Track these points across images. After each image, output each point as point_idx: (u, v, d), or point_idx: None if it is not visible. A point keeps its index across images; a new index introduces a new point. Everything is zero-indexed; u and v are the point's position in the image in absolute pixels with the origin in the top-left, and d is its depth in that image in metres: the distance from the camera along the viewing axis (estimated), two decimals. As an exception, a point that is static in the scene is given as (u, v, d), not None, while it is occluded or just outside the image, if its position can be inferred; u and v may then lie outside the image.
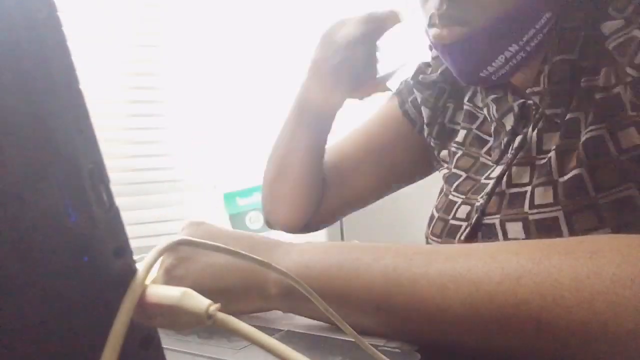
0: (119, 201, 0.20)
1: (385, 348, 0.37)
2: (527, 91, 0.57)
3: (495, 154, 0.63)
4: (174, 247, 0.22)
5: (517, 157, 0.58)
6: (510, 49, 0.54)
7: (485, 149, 0.65)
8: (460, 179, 0.66)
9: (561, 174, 0.53)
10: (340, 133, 0.82)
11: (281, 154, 0.79)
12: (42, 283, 0.19)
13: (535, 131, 0.56)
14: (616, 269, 0.30)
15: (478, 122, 0.67)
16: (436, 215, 0.67)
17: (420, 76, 0.75)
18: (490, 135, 0.65)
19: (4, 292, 0.19)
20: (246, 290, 0.43)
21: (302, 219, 0.80)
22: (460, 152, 0.68)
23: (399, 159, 0.79)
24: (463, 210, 0.63)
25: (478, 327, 0.33)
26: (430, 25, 0.56)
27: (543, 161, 0.55)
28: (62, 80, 0.19)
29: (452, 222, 0.63)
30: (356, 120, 0.82)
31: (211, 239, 0.45)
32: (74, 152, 0.19)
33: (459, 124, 0.70)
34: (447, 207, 0.66)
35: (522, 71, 0.57)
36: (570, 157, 0.53)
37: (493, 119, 0.63)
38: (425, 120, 0.74)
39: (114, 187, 0.20)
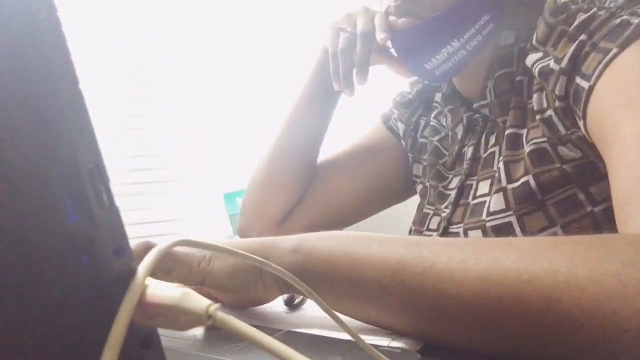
0: (118, 201, 0.20)
1: (386, 348, 0.37)
2: (475, 105, 0.66)
3: (448, 162, 0.71)
4: (173, 247, 0.22)
5: (480, 172, 0.65)
6: (452, 43, 0.62)
7: (443, 159, 0.74)
8: (428, 189, 0.75)
9: (509, 182, 0.59)
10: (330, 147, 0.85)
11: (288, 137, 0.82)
12: (42, 283, 0.19)
13: (498, 148, 0.63)
14: (626, 255, 0.31)
15: (439, 135, 0.77)
16: (413, 228, 0.74)
17: (398, 97, 0.85)
18: (447, 148, 0.74)
19: (4, 292, 0.19)
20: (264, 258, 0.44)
21: (287, 210, 0.82)
22: (428, 165, 0.77)
23: (387, 170, 0.83)
24: (434, 222, 0.70)
25: (491, 303, 0.33)
26: (387, 14, 0.65)
27: (495, 169, 0.63)
28: (62, 80, 0.19)
29: (426, 232, 0.70)
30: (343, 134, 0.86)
31: (201, 254, 0.44)
32: (74, 152, 0.19)
33: (426, 137, 0.79)
34: (421, 220, 0.73)
35: (467, 83, 0.68)
36: (517, 167, 0.59)
37: (448, 128, 0.72)
38: (400, 134, 0.82)
39: (114, 187, 0.20)
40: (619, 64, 0.48)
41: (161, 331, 0.21)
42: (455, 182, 0.69)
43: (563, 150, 0.56)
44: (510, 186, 0.59)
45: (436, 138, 0.76)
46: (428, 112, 0.80)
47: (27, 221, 0.19)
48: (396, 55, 0.69)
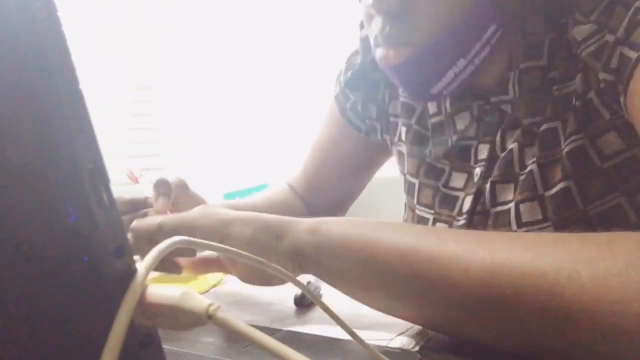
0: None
1: (386, 348, 0.37)
2: (493, 99, 0.56)
3: (437, 152, 0.61)
4: (173, 247, 0.22)
5: (495, 173, 0.56)
6: (458, 63, 0.52)
7: (428, 147, 0.62)
8: (416, 187, 0.64)
9: (546, 188, 0.52)
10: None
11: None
12: (43, 283, 0.19)
13: (516, 145, 0.55)
14: (630, 255, 0.31)
15: (416, 114, 0.64)
16: None
17: (349, 72, 0.71)
18: (428, 129, 0.62)
19: (4, 292, 0.19)
20: (278, 234, 0.43)
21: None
22: (405, 152, 0.66)
23: (358, 160, 0.80)
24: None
25: (494, 292, 0.33)
26: (376, 45, 0.54)
27: (523, 173, 0.54)
28: (62, 80, 0.19)
29: None
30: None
31: (220, 222, 0.44)
32: (74, 152, 0.19)
33: (397, 116, 0.68)
34: (417, 223, 0.64)
35: (482, 75, 0.55)
36: (553, 169, 0.52)
37: (443, 111, 0.60)
38: (374, 116, 0.71)
39: (113, 187, 0.20)
40: None
41: (161, 331, 0.21)
42: (458, 181, 0.60)
43: (604, 141, 0.50)
44: (547, 193, 0.52)
45: (413, 120, 0.65)
46: (391, 84, 0.67)
47: (27, 221, 0.19)
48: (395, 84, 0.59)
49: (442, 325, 0.38)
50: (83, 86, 0.19)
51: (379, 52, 0.54)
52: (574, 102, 0.51)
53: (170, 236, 0.22)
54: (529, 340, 0.33)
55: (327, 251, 0.41)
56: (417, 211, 0.64)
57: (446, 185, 0.61)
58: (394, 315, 0.40)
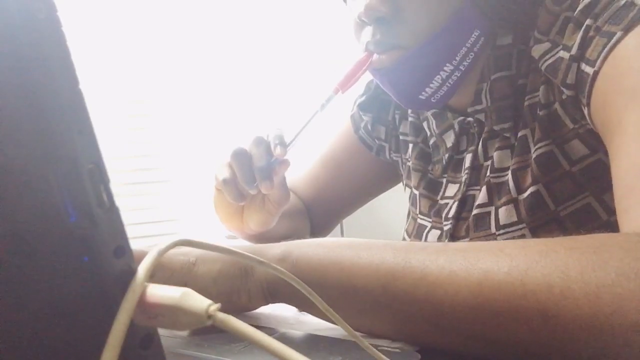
0: (118, 201, 0.20)
1: (386, 348, 0.37)
2: (469, 110, 0.60)
3: (437, 170, 0.66)
4: (173, 247, 0.22)
5: (472, 179, 0.60)
6: (445, 68, 0.56)
7: (430, 164, 0.68)
8: (417, 198, 0.69)
9: (519, 192, 0.55)
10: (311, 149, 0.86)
11: None
12: (43, 283, 0.19)
13: (497, 153, 0.58)
14: (620, 263, 0.31)
15: (422, 134, 0.70)
16: (408, 240, 0.69)
17: (364, 96, 0.78)
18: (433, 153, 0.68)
19: (4, 292, 0.19)
20: (249, 266, 0.43)
21: None
22: (410, 167, 0.71)
23: (365, 179, 0.83)
24: (434, 235, 0.65)
25: (485, 316, 0.33)
26: (366, 51, 0.58)
27: (502, 179, 0.58)
28: (62, 80, 0.19)
29: None
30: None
31: (183, 264, 0.44)
32: (74, 152, 0.19)
33: (407, 135, 0.73)
34: (417, 231, 0.68)
35: (458, 92, 0.60)
36: (524, 174, 0.55)
37: (433, 133, 0.66)
38: (382, 136, 0.77)
39: (114, 187, 0.20)
40: (622, 49, 0.46)
41: (161, 331, 0.21)
42: (450, 191, 0.64)
43: (570, 148, 0.53)
44: (520, 197, 0.55)
45: (420, 139, 0.70)
46: (400, 106, 0.72)
47: (27, 221, 0.19)
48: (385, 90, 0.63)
49: (435, 345, 0.37)
50: (83, 86, 0.19)
51: (374, 59, 0.58)
52: (538, 112, 0.55)
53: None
54: (525, 356, 0.33)
55: (301, 280, 0.40)
56: (418, 220, 0.68)
57: (442, 197, 0.65)
58: (380, 337, 0.39)
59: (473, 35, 0.55)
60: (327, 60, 1.78)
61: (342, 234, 1.66)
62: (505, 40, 0.57)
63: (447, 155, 0.64)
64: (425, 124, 0.67)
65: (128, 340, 0.18)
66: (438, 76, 0.56)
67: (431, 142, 0.66)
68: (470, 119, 0.61)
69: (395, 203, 0.91)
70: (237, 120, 1.78)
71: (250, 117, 1.78)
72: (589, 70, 0.48)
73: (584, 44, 0.49)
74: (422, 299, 0.35)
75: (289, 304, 0.43)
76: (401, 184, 0.83)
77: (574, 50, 0.49)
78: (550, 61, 0.52)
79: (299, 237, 0.44)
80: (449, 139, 0.64)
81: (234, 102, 1.78)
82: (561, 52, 0.51)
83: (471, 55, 0.56)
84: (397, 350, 0.36)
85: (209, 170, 1.83)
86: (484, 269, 0.33)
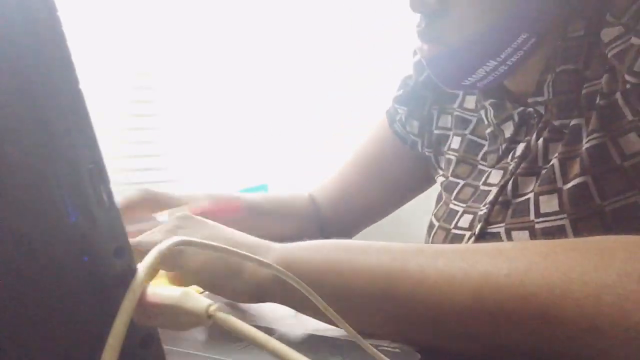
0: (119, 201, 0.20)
1: (386, 348, 0.37)
2: (529, 100, 0.58)
3: (492, 159, 0.63)
4: (173, 247, 0.22)
5: (521, 166, 0.58)
6: (488, 63, 0.55)
7: (481, 154, 0.66)
8: (459, 187, 0.67)
9: (565, 182, 0.53)
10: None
11: None
12: (43, 283, 0.19)
13: (541, 140, 0.57)
14: (623, 264, 0.30)
15: (471, 126, 0.68)
16: (436, 224, 0.67)
17: (401, 91, 0.76)
18: (484, 139, 0.65)
19: (4, 292, 0.19)
20: (241, 266, 0.43)
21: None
22: (455, 159, 0.69)
23: (400, 176, 0.81)
24: (465, 220, 0.63)
25: (485, 319, 0.33)
26: (417, 37, 0.59)
27: (547, 167, 0.55)
28: (62, 80, 0.19)
29: (455, 231, 0.63)
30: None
31: (203, 233, 0.44)
32: (74, 152, 0.19)
33: (449, 129, 0.71)
34: (448, 216, 0.66)
35: (519, 79, 0.59)
36: (572, 164, 0.53)
37: (491, 123, 0.63)
38: (416, 131, 0.75)
39: (114, 187, 0.20)
40: None
41: (161, 331, 0.21)
42: (495, 177, 0.62)
43: (625, 141, 0.50)
44: (565, 186, 0.53)
45: (468, 131, 0.68)
46: (441, 100, 0.72)
47: (27, 221, 0.19)
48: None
49: (435, 346, 0.37)
50: (83, 86, 0.19)
51: (416, 44, 0.59)
52: (598, 101, 0.52)
53: None
54: (527, 357, 0.33)
55: (289, 285, 0.40)
56: (450, 205, 0.67)
57: (485, 182, 0.63)
58: (380, 339, 0.39)
59: (520, 37, 0.54)
60: (330, 58, 1.78)
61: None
62: (576, 32, 0.54)
63: (504, 146, 0.62)
64: (482, 113, 0.66)
65: (128, 340, 0.18)
66: (481, 69, 0.56)
67: (488, 131, 0.64)
68: (530, 109, 0.59)
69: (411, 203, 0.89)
70: (238, 120, 1.78)
71: (253, 117, 1.78)
72: None
73: None
74: (421, 303, 0.35)
75: (282, 304, 0.43)
76: (429, 186, 0.82)
77: None
78: (620, 47, 0.50)
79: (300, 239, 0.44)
80: (508, 130, 0.62)
81: (236, 102, 1.79)
82: (633, 38, 0.48)
83: (519, 53, 0.55)
84: (397, 350, 0.36)
85: (210, 170, 1.83)
86: (484, 272, 0.33)
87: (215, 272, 0.42)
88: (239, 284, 0.42)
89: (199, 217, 0.50)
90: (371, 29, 1.67)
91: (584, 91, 0.53)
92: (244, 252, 0.26)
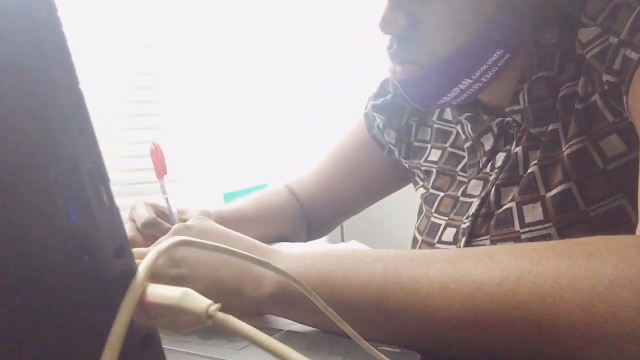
0: (118, 201, 0.20)
1: (386, 348, 0.37)
2: (507, 110, 0.57)
3: (472, 172, 0.63)
4: (173, 247, 0.22)
5: (501, 176, 0.58)
6: (463, 82, 0.54)
7: (460, 165, 0.65)
8: (439, 199, 0.66)
9: (547, 189, 0.53)
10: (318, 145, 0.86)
11: None
12: (43, 283, 0.19)
13: (520, 149, 0.56)
14: (613, 270, 0.30)
15: (451, 138, 0.68)
16: (420, 238, 0.67)
17: (380, 100, 0.76)
18: (464, 150, 0.65)
19: (4, 292, 0.19)
20: (240, 285, 0.43)
21: None
22: (435, 171, 0.68)
23: (375, 177, 0.81)
24: (449, 233, 0.62)
25: (478, 328, 0.33)
26: (387, 57, 0.58)
27: (527, 175, 0.55)
28: (62, 80, 0.19)
29: (439, 245, 0.63)
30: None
31: (210, 238, 0.45)
32: (74, 152, 0.19)
33: (427, 141, 0.71)
34: (430, 230, 0.65)
35: (494, 91, 0.58)
36: (554, 171, 0.53)
37: (469, 137, 0.63)
38: (393, 141, 0.74)
39: (114, 187, 0.20)
40: None
41: (161, 331, 0.21)
42: (475, 189, 0.61)
43: (606, 144, 0.50)
44: (548, 194, 0.53)
45: (448, 143, 0.67)
46: (419, 112, 0.71)
47: (27, 221, 0.19)
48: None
49: (432, 351, 0.37)
50: (83, 86, 0.19)
51: (388, 66, 0.58)
52: (575, 105, 0.51)
53: None
54: None
55: (290, 302, 0.41)
56: (432, 218, 0.66)
57: (464, 193, 0.63)
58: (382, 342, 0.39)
59: (495, 54, 0.53)
60: (330, 58, 1.78)
61: (341, 237, 1.66)
62: (549, 39, 0.54)
63: (484, 159, 0.61)
64: (459, 127, 0.65)
65: (128, 340, 0.18)
66: (456, 88, 0.55)
67: (467, 145, 0.63)
68: (509, 119, 0.58)
69: (397, 203, 0.90)
70: (238, 120, 1.78)
71: (253, 116, 1.78)
72: (634, 56, 0.46)
73: (634, 29, 0.46)
74: (414, 313, 0.35)
75: (282, 317, 0.43)
76: (404, 186, 0.82)
77: (623, 35, 0.47)
78: (599, 48, 0.49)
79: (293, 240, 0.44)
80: (488, 142, 0.61)
81: (236, 102, 1.79)
82: (611, 37, 0.48)
83: (494, 69, 0.54)
84: (397, 350, 0.36)
85: (210, 170, 1.84)
86: (476, 281, 0.33)
87: (218, 294, 0.42)
88: (241, 305, 0.43)
89: (211, 222, 0.50)
90: (371, 29, 1.67)
91: (560, 94, 0.53)
92: (244, 253, 0.26)
